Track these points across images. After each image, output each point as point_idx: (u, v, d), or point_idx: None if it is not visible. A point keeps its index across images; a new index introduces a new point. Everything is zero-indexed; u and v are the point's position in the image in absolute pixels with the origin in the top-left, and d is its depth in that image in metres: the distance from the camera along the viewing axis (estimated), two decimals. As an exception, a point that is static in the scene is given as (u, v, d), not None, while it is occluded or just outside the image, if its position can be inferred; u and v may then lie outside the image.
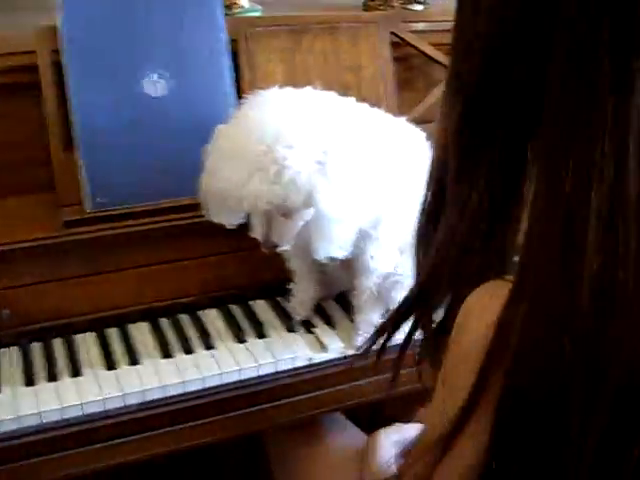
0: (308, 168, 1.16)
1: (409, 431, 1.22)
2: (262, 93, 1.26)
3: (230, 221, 1.30)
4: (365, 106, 1.33)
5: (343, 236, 1.23)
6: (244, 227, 1.30)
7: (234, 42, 1.49)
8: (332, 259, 1.27)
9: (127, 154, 1.40)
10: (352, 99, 1.32)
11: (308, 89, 1.28)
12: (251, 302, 1.50)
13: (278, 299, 1.51)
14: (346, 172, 1.19)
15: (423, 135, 1.40)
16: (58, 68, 1.38)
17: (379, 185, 1.26)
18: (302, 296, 1.46)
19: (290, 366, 1.35)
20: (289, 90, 1.26)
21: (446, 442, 0.70)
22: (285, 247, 1.24)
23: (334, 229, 1.21)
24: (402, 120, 1.40)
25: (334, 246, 1.24)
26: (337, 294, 1.52)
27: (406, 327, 0.86)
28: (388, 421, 1.36)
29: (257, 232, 1.23)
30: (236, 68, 1.49)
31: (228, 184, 1.18)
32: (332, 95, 1.29)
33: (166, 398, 1.27)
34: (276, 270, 1.46)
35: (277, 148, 1.14)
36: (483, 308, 0.68)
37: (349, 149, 1.21)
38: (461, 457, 0.70)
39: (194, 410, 1.28)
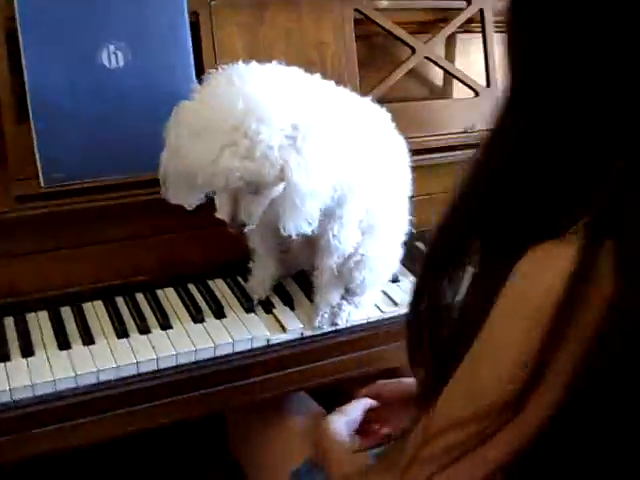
0: (279, 142, 1.13)
1: (354, 412, 1.21)
2: (227, 68, 1.23)
3: (190, 201, 1.27)
4: (331, 84, 1.31)
5: (313, 210, 1.21)
6: (204, 205, 1.27)
7: (195, 14, 1.46)
8: (298, 235, 1.24)
9: (83, 127, 1.36)
10: (317, 76, 1.29)
11: (273, 64, 1.24)
12: (210, 281, 1.48)
13: (238, 278, 1.48)
14: (316, 146, 1.17)
15: (387, 115, 1.38)
16: (13, 38, 1.33)
17: (346, 162, 1.24)
18: (261, 275, 1.44)
19: (248, 347, 1.33)
20: (254, 65, 1.23)
21: (518, 401, 0.71)
22: (252, 226, 1.21)
23: (305, 203, 1.19)
24: (367, 99, 1.38)
25: (304, 221, 1.22)
26: (297, 273, 1.50)
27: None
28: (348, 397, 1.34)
29: (224, 212, 1.20)
30: (197, 41, 1.45)
31: (198, 161, 1.14)
32: (298, 71, 1.26)
33: (120, 379, 1.25)
34: (236, 249, 1.44)
35: (248, 123, 1.11)
36: (547, 268, 0.70)
37: (318, 124, 1.18)
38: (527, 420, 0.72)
39: (149, 391, 1.26)
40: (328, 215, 1.28)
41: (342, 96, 1.32)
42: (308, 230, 1.23)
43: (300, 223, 1.22)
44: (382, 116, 1.38)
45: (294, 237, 1.25)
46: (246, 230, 1.23)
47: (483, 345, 0.76)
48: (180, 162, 1.19)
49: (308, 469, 1.27)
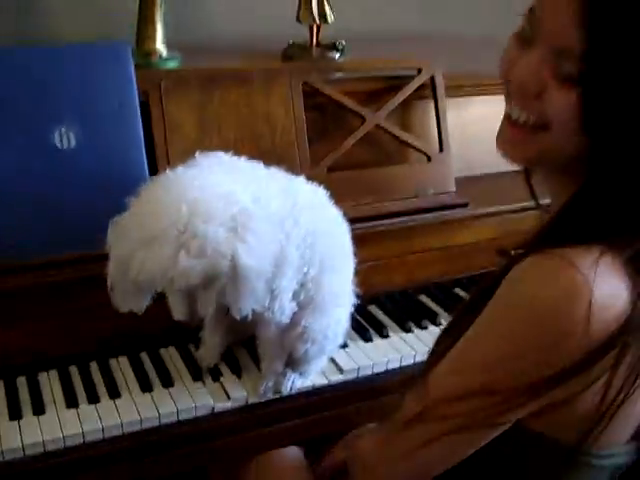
0: (224, 235, 1.19)
1: None
2: (165, 174, 1.29)
3: (140, 306, 1.31)
4: (261, 166, 1.37)
5: (261, 290, 1.27)
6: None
7: (145, 94, 1.53)
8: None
9: (36, 205, 1.43)
10: (243, 158, 1.35)
11: (204, 157, 1.31)
12: (163, 349, 1.53)
13: (190, 346, 1.54)
14: (255, 230, 1.23)
15: (323, 192, 1.44)
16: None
17: (277, 243, 1.30)
18: (211, 344, 1.49)
19: (192, 415, 1.37)
20: (183, 170, 1.29)
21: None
22: (208, 316, 1.28)
23: (256, 284, 1.25)
24: (301, 178, 1.44)
25: (254, 301, 1.27)
26: (247, 339, 1.55)
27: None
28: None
29: (180, 312, 1.25)
30: (147, 120, 1.52)
31: (154, 269, 1.18)
32: (229, 159, 1.33)
33: (65, 449, 1.30)
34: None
35: (194, 225, 1.17)
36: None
37: (253, 210, 1.25)
38: None
39: (94, 459, 1.31)
40: (262, 290, 1.33)
41: (274, 178, 1.38)
42: (259, 308, 1.29)
43: (251, 304, 1.27)
44: (317, 194, 1.43)
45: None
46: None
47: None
48: (133, 273, 1.21)
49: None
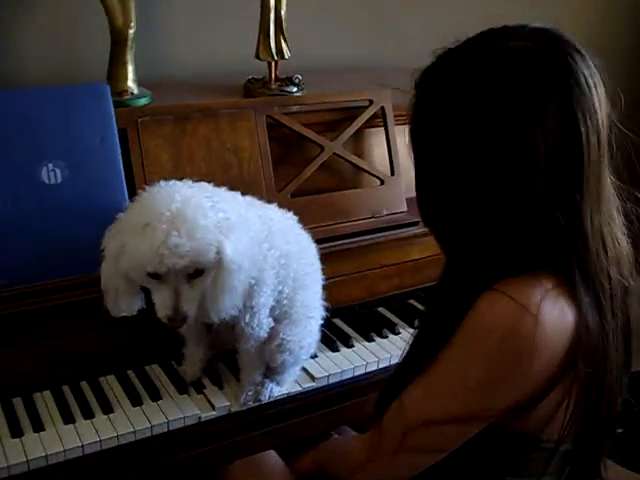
0: (212, 229, 1.33)
1: None
2: (154, 185, 1.42)
3: (130, 308, 1.43)
4: (238, 193, 1.51)
5: (239, 291, 1.40)
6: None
7: (124, 130, 1.65)
8: (223, 320, 1.43)
9: (26, 237, 1.54)
10: (224, 188, 1.49)
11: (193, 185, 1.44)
12: (147, 367, 1.65)
13: (172, 362, 1.66)
14: (238, 237, 1.38)
15: (293, 217, 1.61)
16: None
17: (256, 258, 1.44)
18: (193, 359, 1.62)
19: (181, 425, 1.50)
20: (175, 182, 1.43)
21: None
22: (191, 319, 1.37)
23: (235, 283, 1.37)
24: (273, 206, 1.60)
25: (232, 302, 1.40)
26: (226, 352, 1.68)
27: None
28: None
29: (166, 306, 1.35)
30: (126, 154, 1.64)
31: (146, 249, 1.30)
32: (206, 185, 1.46)
33: (68, 461, 1.41)
34: (169, 336, 1.62)
35: (185, 213, 1.31)
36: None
37: (236, 223, 1.39)
38: None
39: (94, 471, 1.43)
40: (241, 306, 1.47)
41: (251, 204, 1.52)
42: (233, 312, 1.42)
43: (229, 304, 1.40)
44: (288, 218, 1.60)
45: (217, 322, 1.44)
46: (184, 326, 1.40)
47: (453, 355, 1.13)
48: (126, 258, 1.34)
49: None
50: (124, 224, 1.39)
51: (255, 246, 1.44)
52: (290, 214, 1.60)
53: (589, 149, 1.04)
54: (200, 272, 1.35)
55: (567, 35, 1.08)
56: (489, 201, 1.07)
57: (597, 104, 1.04)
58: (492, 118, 1.04)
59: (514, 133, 1.03)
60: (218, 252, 1.34)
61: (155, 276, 1.34)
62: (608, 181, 1.12)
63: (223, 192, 1.46)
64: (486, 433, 1.15)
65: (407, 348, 1.30)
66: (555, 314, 1.06)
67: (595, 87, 1.04)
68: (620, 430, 1.25)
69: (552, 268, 1.09)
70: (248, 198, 1.54)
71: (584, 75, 1.04)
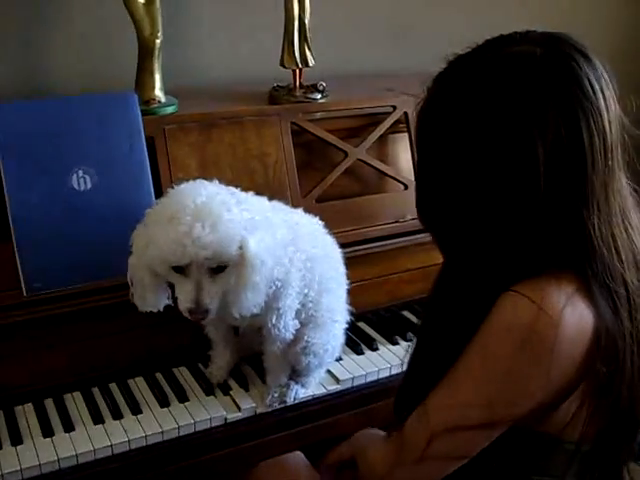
0: (236, 225, 1.36)
1: None
2: (182, 183, 1.46)
3: (156, 302, 1.46)
4: (265, 200, 1.55)
5: (261, 289, 1.42)
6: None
7: (151, 138, 1.69)
8: (245, 318, 1.46)
9: (59, 242, 1.58)
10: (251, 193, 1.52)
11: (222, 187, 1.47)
12: (175, 369, 1.68)
13: (199, 365, 1.69)
14: (262, 236, 1.41)
15: (319, 222, 1.64)
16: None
17: (283, 259, 1.47)
18: (220, 362, 1.65)
19: (207, 426, 1.53)
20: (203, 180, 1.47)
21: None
22: (212, 313, 1.39)
23: (258, 279, 1.39)
24: (299, 210, 1.64)
25: (254, 300, 1.42)
26: (251, 355, 1.71)
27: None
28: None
29: (188, 299, 1.37)
30: (153, 161, 1.68)
31: (172, 239, 1.33)
32: (244, 194, 1.50)
33: (97, 461, 1.44)
34: (196, 339, 1.65)
35: (210, 207, 1.35)
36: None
37: (261, 223, 1.43)
38: None
39: (122, 470, 1.46)
40: (267, 307, 1.50)
41: (277, 209, 1.56)
42: (255, 310, 1.44)
43: (251, 302, 1.42)
44: (314, 223, 1.63)
45: (240, 321, 1.50)
46: (207, 320, 1.43)
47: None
48: (150, 250, 1.38)
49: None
50: (151, 218, 1.43)
51: (280, 248, 1.47)
52: (316, 219, 1.63)
53: (593, 154, 1.04)
54: (223, 268, 1.38)
55: (574, 39, 1.08)
56: (492, 203, 1.08)
57: (603, 108, 1.04)
58: (493, 122, 1.05)
59: (513, 137, 1.03)
60: (241, 248, 1.37)
61: (179, 269, 1.37)
62: (620, 185, 1.12)
63: (249, 196, 1.49)
64: (509, 434, 1.16)
65: (416, 353, 1.30)
66: (575, 316, 1.06)
67: (602, 91, 1.04)
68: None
69: (574, 269, 1.09)
70: (274, 203, 1.57)
71: (589, 79, 1.04)
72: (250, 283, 1.40)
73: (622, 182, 1.12)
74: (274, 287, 1.47)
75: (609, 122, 1.05)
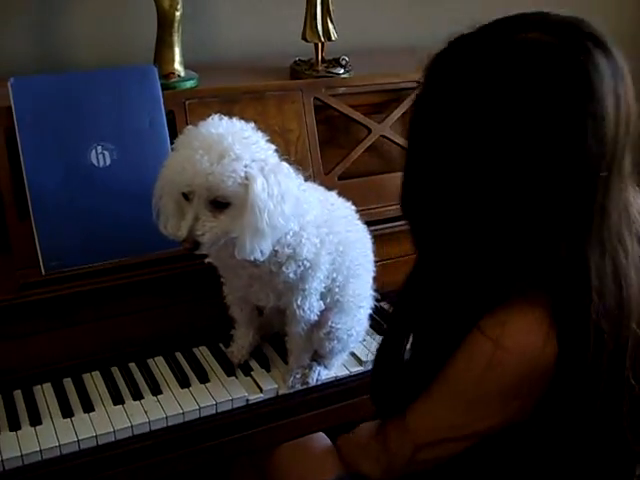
0: (249, 163, 1.33)
1: None
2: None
3: (177, 231, 1.37)
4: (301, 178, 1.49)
5: (266, 234, 1.35)
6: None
7: (171, 112, 1.65)
8: (251, 262, 1.40)
9: (77, 220, 1.55)
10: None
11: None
12: (195, 349, 1.66)
13: (220, 345, 1.66)
14: (280, 180, 1.36)
15: (349, 204, 1.60)
16: (13, 144, 1.52)
17: (312, 238, 1.44)
18: (241, 342, 1.62)
19: (229, 407, 1.50)
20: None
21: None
22: (203, 248, 1.35)
23: (259, 224, 1.33)
24: (332, 193, 1.60)
25: (257, 244, 1.35)
26: (273, 336, 1.69)
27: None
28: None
29: (182, 226, 1.34)
30: (173, 136, 1.63)
31: (174, 164, 1.35)
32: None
33: (117, 442, 1.42)
34: (217, 318, 1.62)
35: (227, 138, 1.32)
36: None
37: (282, 167, 1.40)
38: None
39: (143, 451, 1.44)
40: (292, 288, 1.47)
41: (311, 188, 1.52)
42: (259, 256, 1.37)
43: (257, 246, 1.35)
44: (347, 207, 1.60)
45: (265, 301, 1.48)
46: (198, 252, 1.36)
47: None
48: (164, 171, 1.39)
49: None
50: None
51: (312, 226, 1.44)
52: (349, 203, 1.59)
53: (590, 160, 0.96)
54: (225, 205, 1.34)
55: (592, 27, 0.98)
56: (480, 200, 1.02)
57: (610, 110, 0.95)
58: (494, 115, 0.97)
59: (513, 136, 0.96)
60: (246, 187, 1.32)
61: (185, 197, 1.35)
62: (626, 195, 1.05)
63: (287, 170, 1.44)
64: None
65: (383, 346, 1.27)
66: (536, 343, 1.02)
67: (615, 90, 0.96)
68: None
69: (544, 290, 1.03)
70: (309, 183, 1.52)
71: (601, 76, 0.94)
72: (252, 227, 1.33)
73: (626, 194, 1.05)
74: (302, 267, 1.44)
75: (616, 125, 0.96)
